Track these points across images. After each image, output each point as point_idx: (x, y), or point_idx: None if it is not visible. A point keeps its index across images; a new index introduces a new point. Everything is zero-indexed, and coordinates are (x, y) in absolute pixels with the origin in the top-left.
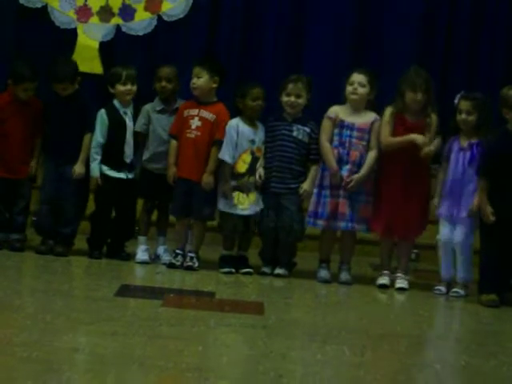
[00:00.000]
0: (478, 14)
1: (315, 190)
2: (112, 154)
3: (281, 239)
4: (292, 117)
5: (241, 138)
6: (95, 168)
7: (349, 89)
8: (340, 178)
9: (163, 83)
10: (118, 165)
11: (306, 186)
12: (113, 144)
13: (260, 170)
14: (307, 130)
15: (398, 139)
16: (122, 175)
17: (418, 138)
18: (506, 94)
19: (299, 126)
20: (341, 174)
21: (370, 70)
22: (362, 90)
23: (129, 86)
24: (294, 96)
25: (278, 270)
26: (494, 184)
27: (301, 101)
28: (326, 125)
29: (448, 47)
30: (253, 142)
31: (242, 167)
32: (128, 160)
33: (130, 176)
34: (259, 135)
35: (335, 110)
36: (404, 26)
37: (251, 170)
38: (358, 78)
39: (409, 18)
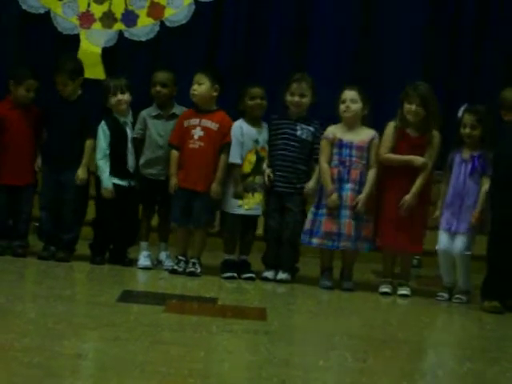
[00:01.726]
0: (481, 22)
1: (312, 209)
2: (115, 163)
3: (284, 240)
4: (296, 116)
5: (245, 138)
6: (107, 179)
7: (341, 107)
8: (337, 198)
9: (158, 88)
10: (121, 173)
11: (310, 184)
12: (115, 154)
13: (268, 171)
14: (311, 129)
15: (398, 158)
16: (124, 183)
17: (416, 160)
18: (505, 95)
19: (303, 126)
20: (339, 194)
21: (360, 86)
22: (354, 107)
23: (119, 96)
24: (297, 96)
25: (281, 275)
26: (501, 186)
27: (305, 100)
28: (324, 146)
29: (451, 56)
30: (257, 141)
31: (247, 167)
32: (132, 170)
33: (133, 183)
34: (263, 135)
35: (332, 130)
36: (407, 35)
37: (256, 169)
38: (349, 94)
39: (412, 27)
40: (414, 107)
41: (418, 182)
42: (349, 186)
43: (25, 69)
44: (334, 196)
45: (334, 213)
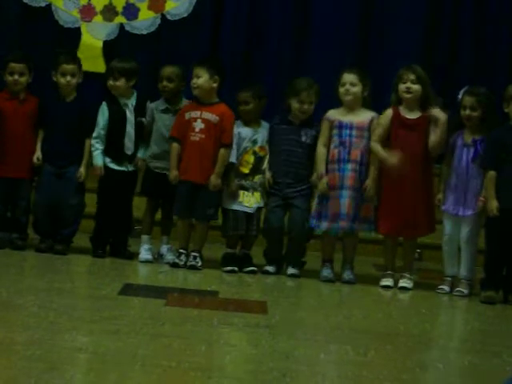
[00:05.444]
0: (482, 10)
1: (318, 193)
2: (113, 145)
3: (292, 237)
4: (299, 121)
5: (240, 139)
6: (98, 157)
7: (341, 90)
8: (326, 183)
9: (164, 83)
10: (119, 157)
11: (315, 174)
12: (113, 136)
13: (268, 176)
14: (314, 133)
15: (377, 151)
16: (123, 168)
17: (389, 160)
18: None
19: (307, 130)
20: (340, 175)
21: (360, 67)
22: (354, 89)
23: (111, 81)
24: (307, 104)
25: (291, 270)
26: (498, 175)
27: (312, 107)
28: (323, 127)
29: (452, 47)
30: (255, 141)
31: (245, 168)
32: (129, 152)
33: (131, 168)
34: (261, 134)
35: (332, 113)
36: (408, 26)
37: (255, 169)
38: (348, 77)
39: (413, 17)
40: (408, 83)
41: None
42: (349, 166)
43: (10, 54)
44: (324, 181)
45: (333, 194)
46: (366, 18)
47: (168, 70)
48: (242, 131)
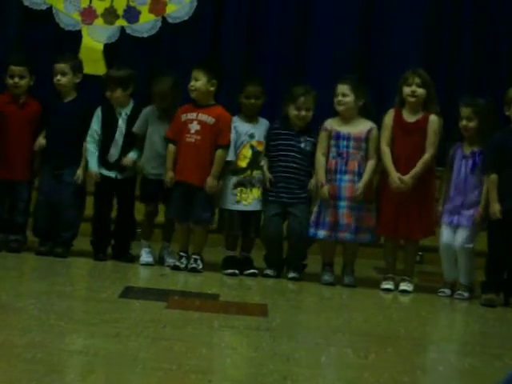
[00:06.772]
0: (482, 10)
1: (318, 202)
2: (100, 151)
3: (291, 244)
4: (298, 127)
5: (239, 134)
6: (94, 162)
7: (335, 100)
8: (327, 191)
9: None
10: (106, 164)
11: (313, 181)
12: (101, 142)
13: (270, 177)
14: (313, 140)
15: (387, 163)
16: (111, 174)
17: (393, 177)
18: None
19: (306, 137)
20: (337, 185)
21: (355, 78)
22: (346, 100)
23: (108, 92)
24: (304, 110)
25: (292, 274)
26: (499, 178)
27: (310, 113)
28: (322, 137)
29: (453, 48)
30: (252, 135)
31: (242, 162)
32: (111, 159)
33: (119, 176)
34: (259, 129)
35: (330, 122)
36: (408, 26)
37: (253, 164)
38: (341, 88)
39: (413, 17)
40: (413, 87)
41: (419, 166)
42: (347, 177)
43: (11, 57)
44: (325, 189)
45: (331, 204)
46: (366, 18)
47: (160, 87)
48: (239, 126)
